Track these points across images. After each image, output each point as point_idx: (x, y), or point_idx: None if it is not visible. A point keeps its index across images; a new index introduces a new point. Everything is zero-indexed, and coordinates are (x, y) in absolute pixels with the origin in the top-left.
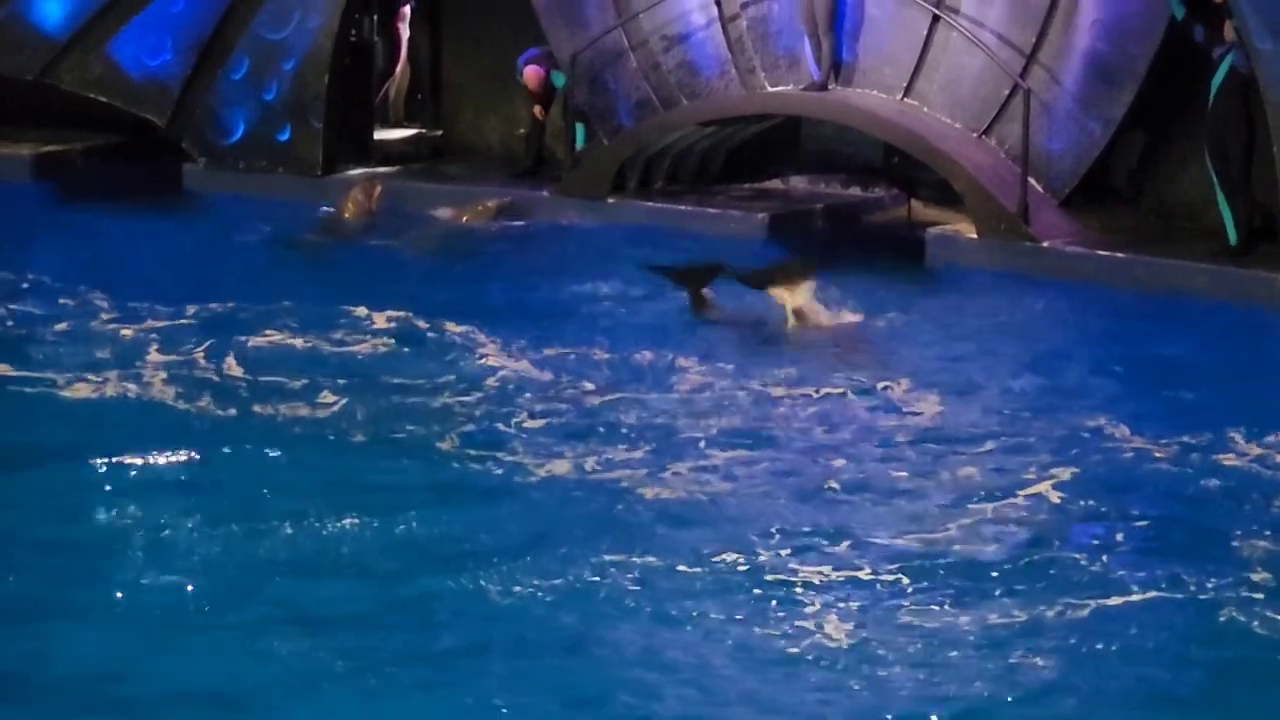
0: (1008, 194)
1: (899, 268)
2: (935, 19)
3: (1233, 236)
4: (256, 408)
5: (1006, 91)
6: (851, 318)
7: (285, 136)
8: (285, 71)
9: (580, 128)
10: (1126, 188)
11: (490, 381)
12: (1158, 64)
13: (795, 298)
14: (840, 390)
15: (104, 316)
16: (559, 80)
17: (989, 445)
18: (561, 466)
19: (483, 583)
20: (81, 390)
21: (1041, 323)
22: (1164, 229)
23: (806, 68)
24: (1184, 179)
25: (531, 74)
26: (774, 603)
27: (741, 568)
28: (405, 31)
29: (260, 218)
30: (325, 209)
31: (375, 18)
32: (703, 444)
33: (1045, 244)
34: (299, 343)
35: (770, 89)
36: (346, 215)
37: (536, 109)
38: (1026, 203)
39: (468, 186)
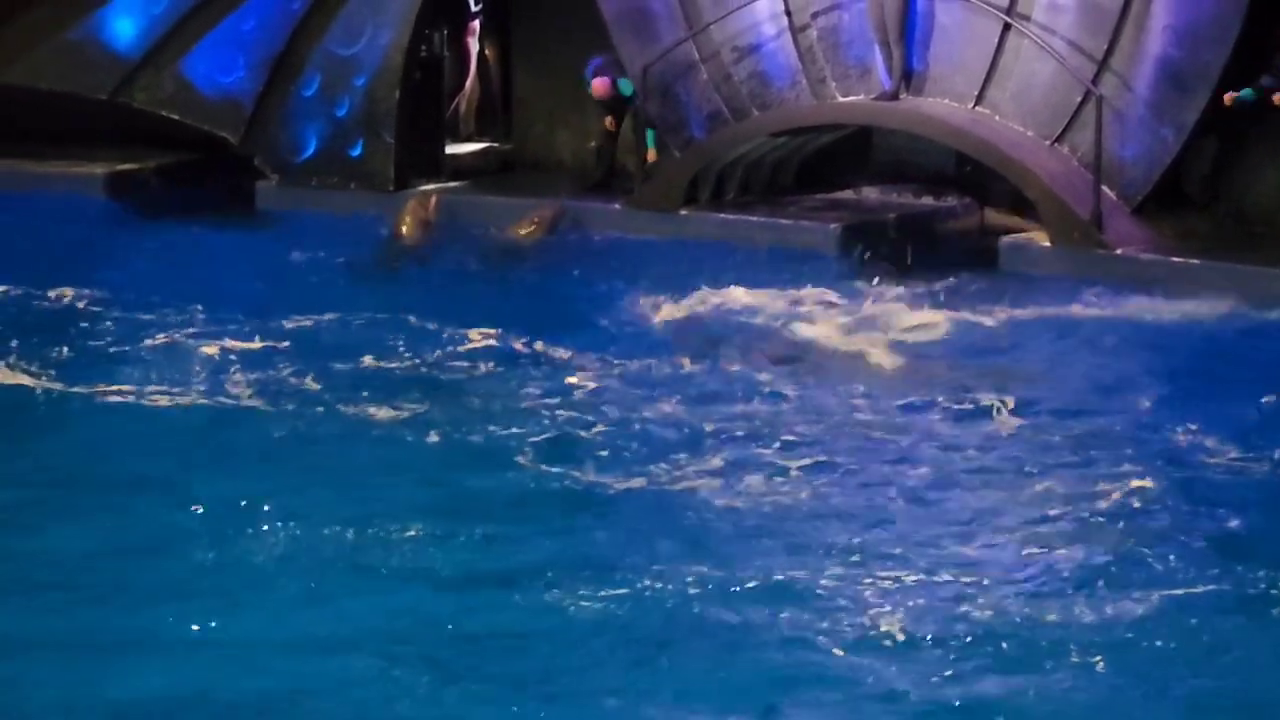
0: (1081, 202)
1: (973, 277)
2: (1006, 27)
3: None
4: (337, 422)
5: (1078, 99)
6: (931, 318)
7: (357, 152)
8: (356, 87)
9: (650, 133)
10: (1200, 194)
11: (568, 395)
12: (1231, 69)
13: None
14: (916, 400)
15: (181, 334)
16: (626, 88)
17: (1067, 456)
18: (639, 479)
19: (558, 593)
20: (165, 405)
21: (1116, 330)
22: (1239, 235)
23: (877, 77)
24: (1259, 184)
25: (599, 85)
26: (846, 613)
27: (818, 578)
28: (475, 46)
29: (333, 234)
30: (387, 225)
31: (445, 32)
32: (781, 455)
33: (1119, 251)
34: (375, 359)
35: (841, 99)
36: (405, 229)
37: (608, 119)
38: (1100, 210)
39: (526, 199)
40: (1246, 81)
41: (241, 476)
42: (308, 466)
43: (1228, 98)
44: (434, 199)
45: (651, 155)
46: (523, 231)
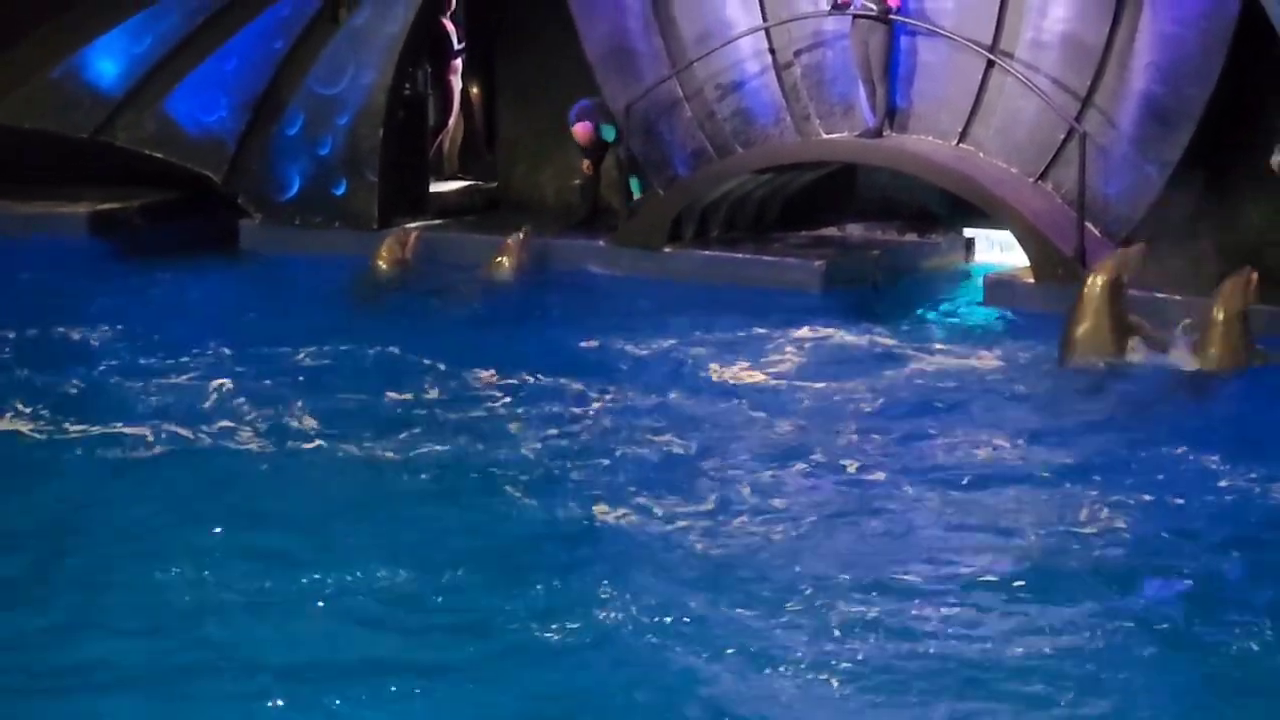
0: (1065, 238)
1: (956, 312)
2: (990, 64)
3: None
4: (320, 458)
5: (1062, 135)
6: (911, 353)
7: (341, 191)
8: (340, 126)
9: (635, 181)
10: (1184, 230)
11: (560, 429)
12: (1214, 105)
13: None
14: (893, 435)
15: (165, 374)
16: (608, 134)
17: (1056, 483)
18: (617, 513)
19: (560, 624)
20: (152, 446)
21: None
22: (1223, 271)
23: (861, 114)
24: (1242, 221)
25: (580, 130)
26: (805, 646)
27: (812, 605)
28: (458, 84)
29: (317, 272)
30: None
31: (428, 70)
32: (758, 492)
33: None
34: (356, 397)
35: (825, 136)
36: (382, 266)
37: (585, 164)
38: (1084, 247)
39: (501, 236)
40: (1234, 118)
41: (225, 514)
42: (290, 502)
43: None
44: (411, 236)
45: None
46: (496, 266)
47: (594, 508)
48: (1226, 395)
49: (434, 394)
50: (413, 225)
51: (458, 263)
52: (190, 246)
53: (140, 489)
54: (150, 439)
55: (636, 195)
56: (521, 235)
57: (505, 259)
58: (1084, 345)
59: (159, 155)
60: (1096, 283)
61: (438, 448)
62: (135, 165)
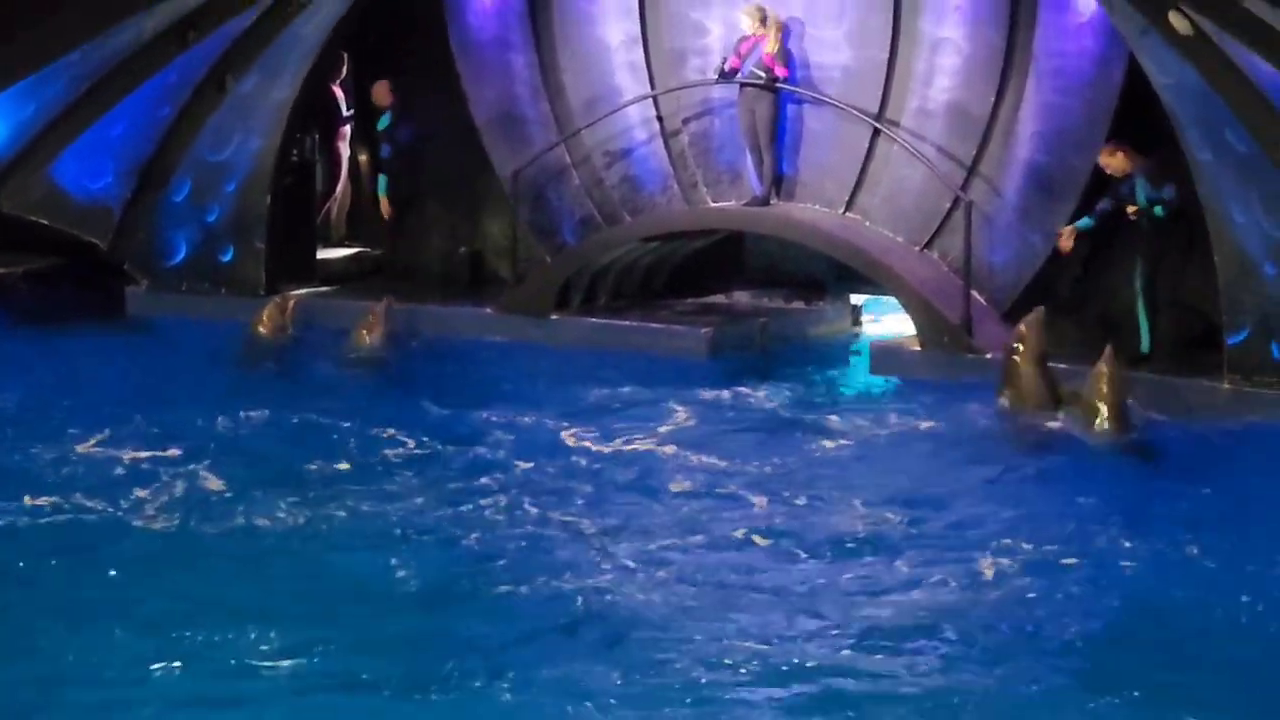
0: (951, 306)
1: (842, 379)
2: (876, 132)
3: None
4: (201, 523)
5: (948, 204)
6: (797, 420)
7: (228, 257)
8: (227, 193)
9: (384, 180)
10: (1069, 298)
11: (448, 498)
12: (1099, 175)
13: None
14: (787, 499)
15: (48, 441)
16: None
17: (935, 547)
18: (516, 582)
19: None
20: (37, 516)
21: (980, 435)
22: (1106, 339)
23: (749, 182)
24: (1127, 289)
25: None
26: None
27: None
28: (346, 150)
29: (202, 339)
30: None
31: (316, 137)
32: (656, 552)
33: (988, 355)
34: (248, 466)
35: (713, 204)
36: (263, 330)
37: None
38: (969, 315)
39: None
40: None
41: (117, 584)
42: (176, 570)
43: (1067, 234)
44: (291, 302)
45: (385, 205)
46: (360, 337)
47: (480, 577)
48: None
49: (320, 464)
50: (298, 291)
51: (338, 328)
52: (76, 312)
53: (36, 560)
54: (46, 509)
55: (384, 196)
56: (383, 305)
57: (366, 331)
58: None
59: (45, 221)
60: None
61: (325, 513)
62: (20, 231)
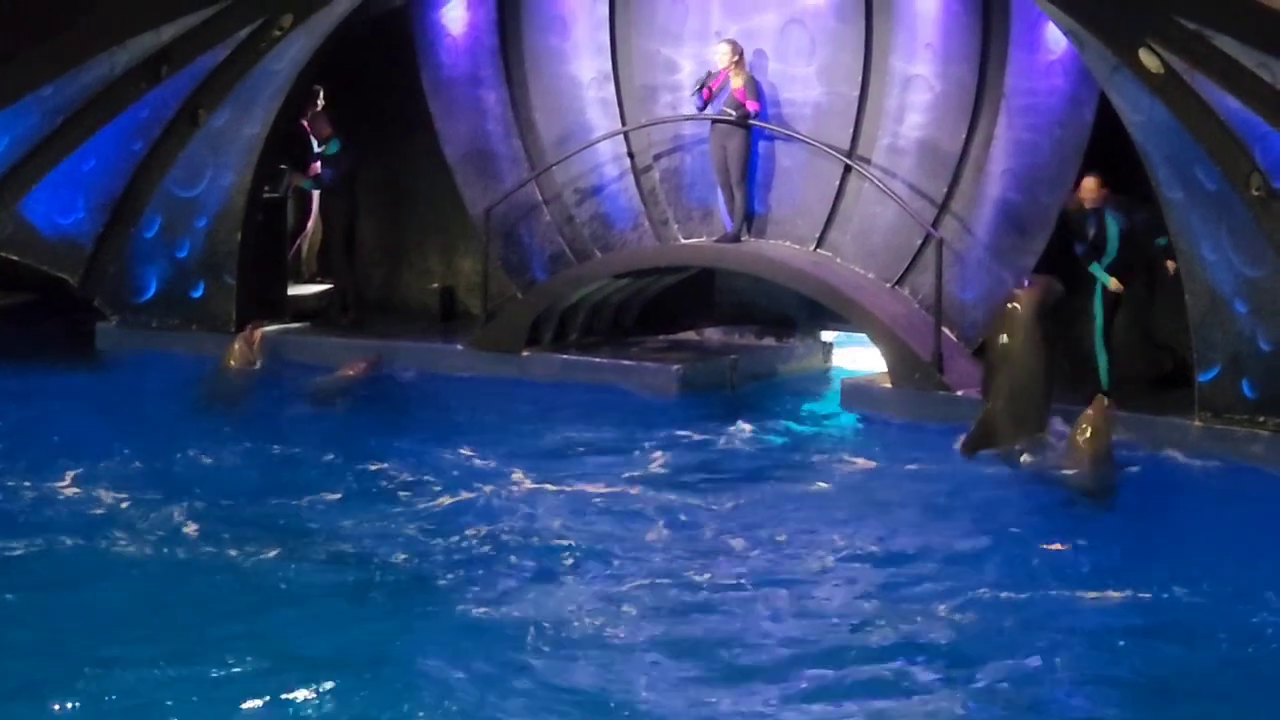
0: (921, 343)
1: (813, 416)
2: (847, 170)
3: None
4: (192, 561)
5: (919, 241)
6: (767, 454)
7: (198, 293)
8: (198, 229)
9: (335, 142)
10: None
11: (423, 536)
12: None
13: None
14: (756, 538)
15: (18, 479)
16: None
17: (901, 586)
18: (492, 617)
19: None
20: (8, 555)
21: (953, 473)
22: (1075, 376)
23: (720, 219)
24: (1091, 326)
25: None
26: None
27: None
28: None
29: (172, 376)
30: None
31: (287, 173)
32: (626, 590)
33: (959, 393)
34: (226, 499)
35: (684, 241)
36: (232, 364)
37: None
38: (940, 352)
39: (349, 339)
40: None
41: (91, 618)
42: (143, 603)
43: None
44: (258, 335)
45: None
46: (226, 361)
47: (445, 616)
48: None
49: (286, 500)
50: (271, 327)
51: (305, 363)
52: (46, 348)
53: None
54: (17, 547)
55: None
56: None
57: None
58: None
59: (14, 258)
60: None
61: (292, 548)
62: None
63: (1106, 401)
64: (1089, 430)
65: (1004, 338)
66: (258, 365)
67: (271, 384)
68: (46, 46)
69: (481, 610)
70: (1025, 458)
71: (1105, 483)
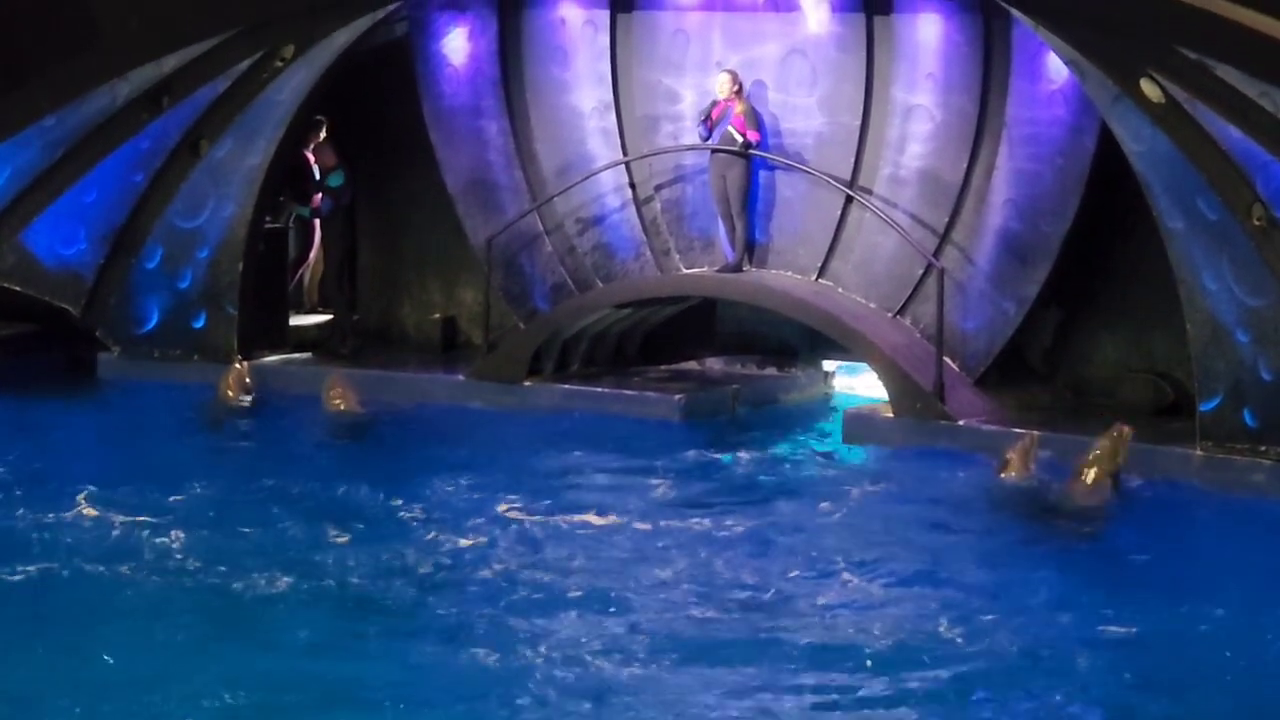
0: (923, 373)
1: (814, 446)
2: (849, 199)
3: None
4: (193, 590)
5: (920, 271)
6: (768, 484)
7: (200, 324)
8: (199, 259)
9: (339, 174)
10: (1041, 365)
11: (428, 566)
12: (1071, 242)
13: None
14: (756, 569)
15: (23, 508)
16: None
17: (906, 619)
18: (489, 651)
19: None
20: (12, 584)
21: (956, 501)
22: (1078, 405)
23: (721, 249)
24: (1098, 356)
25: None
26: None
27: None
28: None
29: (174, 406)
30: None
31: (284, 201)
32: (628, 622)
33: (961, 422)
34: (229, 527)
35: (685, 271)
36: (229, 392)
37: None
38: (942, 382)
39: (348, 368)
40: (1086, 254)
41: (89, 646)
42: (136, 633)
43: None
44: (245, 368)
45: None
46: (335, 404)
47: (451, 647)
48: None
49: (286, 532)
50: (273, 358)
51: (301, 393)
52: (48, 379)
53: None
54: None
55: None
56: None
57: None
58: None
59: (16, 288)
60: None
61: (291, 581)
62: None
63: (1126, 430)
64: (1093, 457)
65: None
66: (253, 392)
67: (267, 414)
68: (47, 78)
69: (488, 646)
70: (1029, 484)
71: (1101, 510)
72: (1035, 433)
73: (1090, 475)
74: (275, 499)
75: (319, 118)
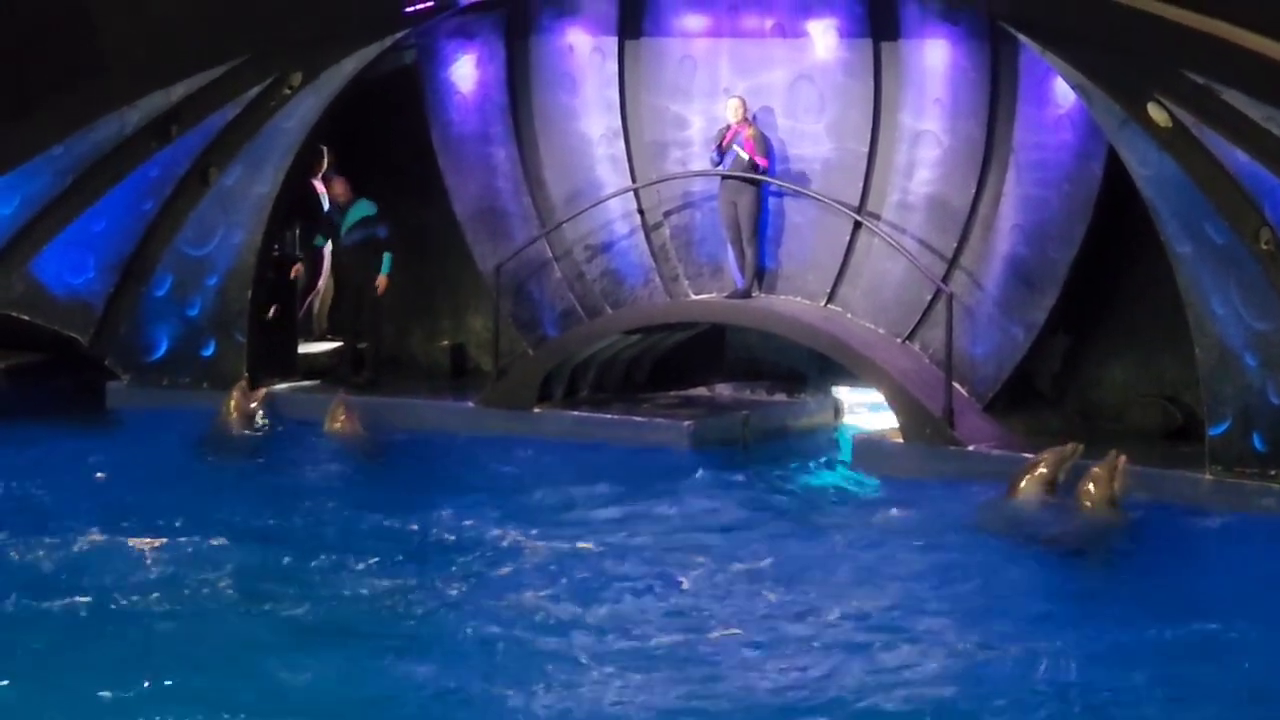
0: (932, 399)
1: (824, 473)
2: (857, 225)
3: None
4: (217, 608)
5: (929, 296)
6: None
7: (209, 352)
8: (209, 287)
9: (388, 257)
10: (1050, 390)
11: (434, 594)
12: (1079, 267)
13: None
14: (765, 595)
15: (31, 537)
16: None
17: (918, 648)
18: (496, 682)
19: None
20: (23, 611)
21: (966, 527)
22: (1087, 430)
23: (730, 275)
24: (1106, 381)
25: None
26: None
27: None
28: (329, 245)
29: (183, 434)
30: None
31: (298, 232)
32: (632, 649)
33: (970, 448)
34: (238, 556)
35: (694, 297)
36: (231, 418)
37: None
38: (951, 407)
39: (356, 396)
40: (1094, 279)
41: (98, 677)
42: (159, 655)
43: None
44: (259, 390)
45: (383, 282)
46: (335, 426)
47: (462, 677)
48: None
49: (296, 560)
50: (282, 386)
51: (310, 419)
52: (57, 408)
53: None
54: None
55: (384, 275)
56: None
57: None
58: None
59: (25, 317)
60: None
61: (300, 612)
62: (1, 327)
63: (1121, 457)
64: (1092, 484)
65: None
66: (255, 417)
67: (272, 440)
68: (56, 107)
69: (499, 673)
70: (1036, 512)
71: (1106, 536)
72: (1076, 445)
73: (1086, 498)
74: (287, 524)
75: (321, 147)
